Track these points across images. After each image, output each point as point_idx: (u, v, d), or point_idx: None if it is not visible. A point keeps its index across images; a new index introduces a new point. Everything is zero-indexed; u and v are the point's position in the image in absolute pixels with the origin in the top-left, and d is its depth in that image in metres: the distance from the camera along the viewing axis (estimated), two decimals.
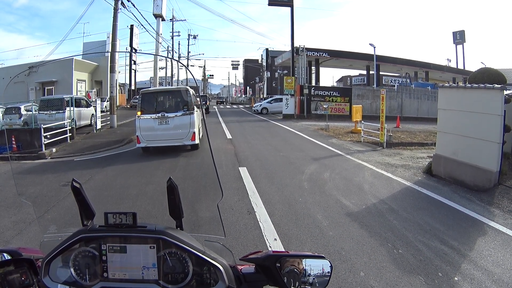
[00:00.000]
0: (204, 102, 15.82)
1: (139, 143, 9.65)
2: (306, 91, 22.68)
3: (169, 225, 1.23)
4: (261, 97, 40.89)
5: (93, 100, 32.03)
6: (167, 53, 39.71)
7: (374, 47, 26.94)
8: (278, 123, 19.55)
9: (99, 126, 15.37)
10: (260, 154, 9.48)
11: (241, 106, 48.22)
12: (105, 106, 29.45)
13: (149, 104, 9.81)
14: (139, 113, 9.66)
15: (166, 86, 40.55)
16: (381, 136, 11.81)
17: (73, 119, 15.57)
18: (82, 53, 36.49)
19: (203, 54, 63.21)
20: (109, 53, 35.33)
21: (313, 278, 1.16)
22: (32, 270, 1.17)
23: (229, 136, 13.32)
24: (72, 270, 1.19)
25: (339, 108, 23.57)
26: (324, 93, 23.63)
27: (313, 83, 38.96)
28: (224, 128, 16.26)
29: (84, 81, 33.35)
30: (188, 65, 50.48)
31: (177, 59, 40.78)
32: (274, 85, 52.13)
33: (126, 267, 1.18)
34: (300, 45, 24.40)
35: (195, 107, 10.11)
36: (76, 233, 1.18)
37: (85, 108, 17.02)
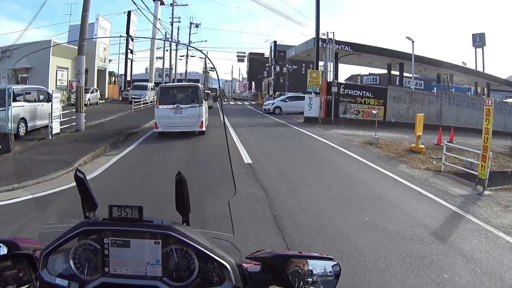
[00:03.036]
0: (207, 98, 15.12)
1: (156, 128, 11.18)
2: (334, 89, 18.04)
3: (175, 220, 1.15)
4: (270, 93, 36.17)
5: (75, 91, 27.73)
6: (165, 39, 35.00)
7: (413, 41, 22.12)
8: (303, 130, 14.93)
9: (56, 130, 10.71)
10: (324, 218, 4.82)
11: (246, 102, 43.38)
12: (88, 99, 24.84)
13: (166, 97, 11.38)
14: (157, 104, 11.33)
15: (163, 78, 35.90)
16: (483, 169, 7.25)
17: (22, 118, 11.04)
18: (65, 39, 31.71)
19: (205, 41, 56.23)
20: (97, 38, 30.69)
21: (321, 279, 1.10)
22: (31, 266, 1.09)
23: (246, 158, 8.61)
24: (71, 263, 1.13)
25: (371, 112, 19.01)
26: (355, 92, 19.00)
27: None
28: (235, 138, 11.65)
29: (67, 69, 28.54)
30: (188, 55, 45.85)
31: (176, 41, 36.10)
32: (282, 81, 47.73)
33: (129, 263, 1.11)
34: (327, 32, 19.71)
35: (203, 100, 11.74)
36: (79, 225, 1.12)
37: (44, 103, 12.30)
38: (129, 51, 39.13)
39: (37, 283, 1.07)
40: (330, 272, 1.11)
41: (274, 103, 24.57)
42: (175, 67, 37.81)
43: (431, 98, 20.73)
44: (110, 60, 38.61)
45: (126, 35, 38.74)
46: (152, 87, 33.37)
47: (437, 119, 20.01)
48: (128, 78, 38.22)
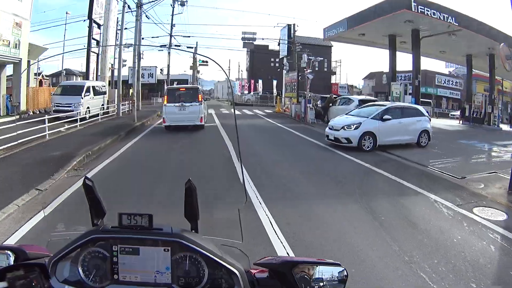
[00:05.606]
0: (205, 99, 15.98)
1: (164, 123, 13.47)
2: None
3: (183, 227, 1.15)
4: (307, 96, 21.24)
5: None
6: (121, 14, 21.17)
7: None
8: None
9: None
10: None
11: (256, 110, 29.15)
12: None
13: (172, 97, 13.74)
14: (165, 102, 13.63)
15: (120, 78, 21.74)
16: None
17: None
18: None
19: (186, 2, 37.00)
20: None
21: (328, 285, 1.11)
22: (44, 275, 1.07)
23: None
24: (80, 270, 1.11)
25: None
26: None
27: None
28: None
29: None
30: (171, 45, 31.92)
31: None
32: (300, 79, 34.21)
33: (138, 270, 1.10)
34: None
35: (202, 99, 14.08)
36: (88, 233, 1.10)
37: None
38: (93, 41, 24.91)
39: None
40: (337, 277, 1.11)
41: (357, 124, 10.53)
42: (138, 62, 22.98)
43: None
44: (45, 49, 24.54)
45: (89, 20, 24.54)
46: (103, 89, 19.12)
47: None
48: (91, 78, 24.15)
